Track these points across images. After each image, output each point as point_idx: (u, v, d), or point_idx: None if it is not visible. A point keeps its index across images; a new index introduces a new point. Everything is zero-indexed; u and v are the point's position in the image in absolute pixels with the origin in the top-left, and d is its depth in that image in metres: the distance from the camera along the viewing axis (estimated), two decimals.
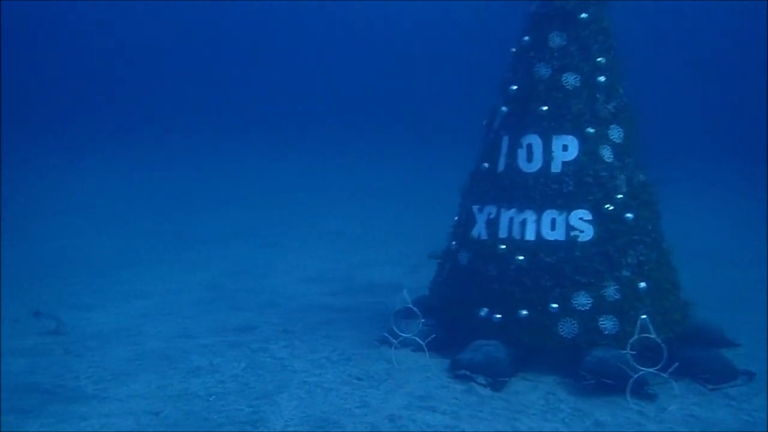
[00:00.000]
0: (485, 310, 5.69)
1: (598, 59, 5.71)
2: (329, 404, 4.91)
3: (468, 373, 5.42)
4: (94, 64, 32.11)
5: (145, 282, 8.83)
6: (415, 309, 5.93)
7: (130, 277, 9.06)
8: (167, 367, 5.51)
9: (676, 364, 5.04)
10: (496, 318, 5.61)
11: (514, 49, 6.07)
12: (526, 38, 5.92)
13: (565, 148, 5.65)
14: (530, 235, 5.65)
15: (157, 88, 30.25)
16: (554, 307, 5.40)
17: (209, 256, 10.67)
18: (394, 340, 5.97)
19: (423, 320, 5.97)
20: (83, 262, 9.91)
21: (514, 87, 5.91)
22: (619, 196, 5.55)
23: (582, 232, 5.51)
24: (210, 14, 34.94)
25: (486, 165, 6.07)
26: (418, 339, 5.94)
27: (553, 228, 5.59)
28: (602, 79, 5.69)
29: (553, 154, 5.66)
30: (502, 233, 5.80)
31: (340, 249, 11.38)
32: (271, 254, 10.94)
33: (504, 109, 6.00)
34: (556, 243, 5.55)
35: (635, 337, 5.05)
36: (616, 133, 5.69)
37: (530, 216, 5.69)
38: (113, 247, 11.00)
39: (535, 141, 5.72)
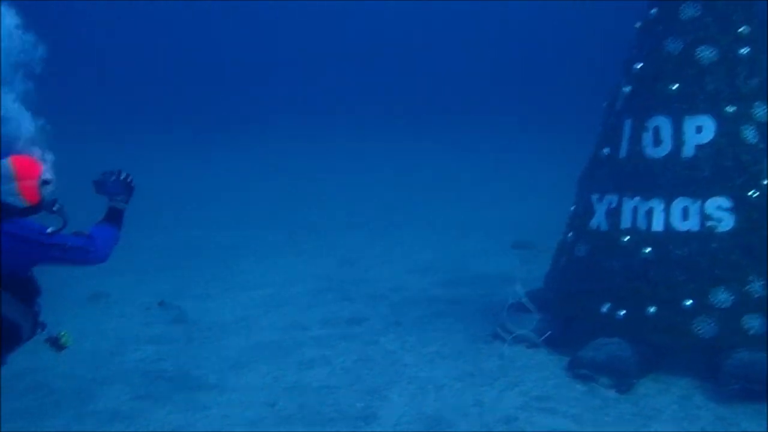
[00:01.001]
0: (607, 305, 5.31)
1: (740, 29, 5.10)
2: (441, 401, 4.78)
3: (589, 372, 5.10)
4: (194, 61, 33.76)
5: (262, 272, 9.12)
6: (529, 303, 5.66)
7: (247, 267, 9.40)
8: (282, 358, 5.62)
9: None
10: (620, 314, 5.22)
11: (638, 24, 5.57)
12: (653, 11, 5.41)
13: (699, 129, 5.12)
14: (658, 226, 5.20)
15: (258, 79, 31.36)
16: (688, 304, 4.93)
17: (320, 246, 10.86)
18: (507, 336, 5.73)
19: (538, 316, 5.68)
20: (206, 252, 10.42)
21: (639, 65, 5.43)
22: (766, 181, 4.95)
23: (720, 221, 4.98)
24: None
25: (606, 151, 5.65)
26: (533, 335, 5.67)
27: (685, 218, 5.10)
28: (745, 51, 5.08)
29: (684, 137, 5.15)
30: (625, 224, 5.39)
31: (447, 238, 11.19)
32: (379, 244, 10.95)
33: (627, 89, 5.53)
34: (688, 234, 5.06)
35: None
36: (761, 111, 5.06)
37: (657, 205, 5.23)
38: (233, 237, 11.49)
39: (664, 123, 5.22)
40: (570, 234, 5.95)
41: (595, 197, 5.68)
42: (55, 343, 3.08)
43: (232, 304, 7.53)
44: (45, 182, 3.05)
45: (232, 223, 12.85)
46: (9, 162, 2.98)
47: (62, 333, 3.09)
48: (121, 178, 3.31)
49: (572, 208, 6.07)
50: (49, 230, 2.92)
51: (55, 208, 3.05)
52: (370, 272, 9.04)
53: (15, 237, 2.85)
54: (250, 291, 8.09)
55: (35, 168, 3.05)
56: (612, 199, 5.52)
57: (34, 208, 3.04)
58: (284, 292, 8.01)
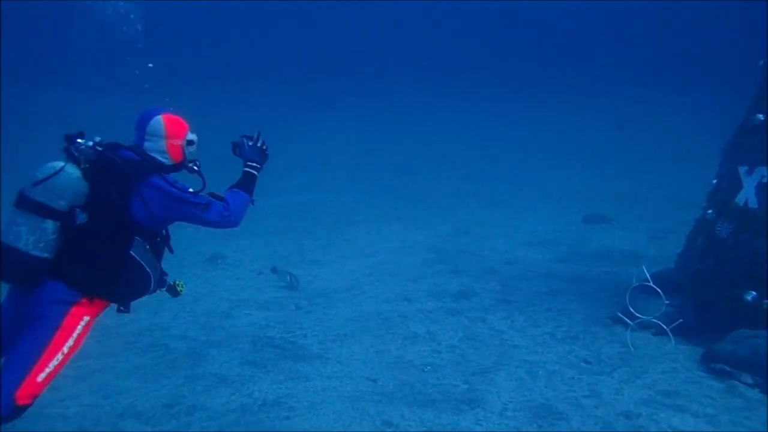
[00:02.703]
0: (752, 293, 4.69)
1: None
2: (552, 389, 4.42)
3: (728, 368, 4.55)
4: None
5: (373, 239, 9.08)
6: (656, 287, 5.09)
7: (358, 234, 9.41)
8: (385, 331, 5.49)
9: None
10: None
11: None
12: None
13: None
14: None
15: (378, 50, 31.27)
16: None
17: (432, 214, 10.64)
18: (630, 321, 5.22)
19: (667, 300, 5.11)
20: (320, 217, 10.58)
21: None
22: None
23: None
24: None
25: (761, 117, 4.89)
26: (660, 322, 5.11)
27: None
28: None
29: None
30: None
31: (566, 209, 10.55)
32: (493, 214, 10.54)
33: None
34: None
35: None
36: None
37: None
38: (346, 204, 11.57)
39: None
40: (710, 211, 5.28)
41: (743, 169, 4.99)
42: (172, 290, 3.30)
43: (341, 271, 7.53)
44: (189, 142, 3.17)
45: (347, 187, 12.95)
46: (161, 120, 3.10)
47: (178, 282, 3.32)
48: (258, 144, 3.36)
49: (714, 182, 5.38)
50: (191, 190, 3.02)
51: (195, 168, 3.17)
52: (481, 244, 8.70)
53: (161, 190, 2.96)
54: (360, 259, 8.06)
55: (183, 128, 3.18)
56: (764, 171, 4.82)
57: (176, 167, 3.18)
58: (393, 261, 7.90)
